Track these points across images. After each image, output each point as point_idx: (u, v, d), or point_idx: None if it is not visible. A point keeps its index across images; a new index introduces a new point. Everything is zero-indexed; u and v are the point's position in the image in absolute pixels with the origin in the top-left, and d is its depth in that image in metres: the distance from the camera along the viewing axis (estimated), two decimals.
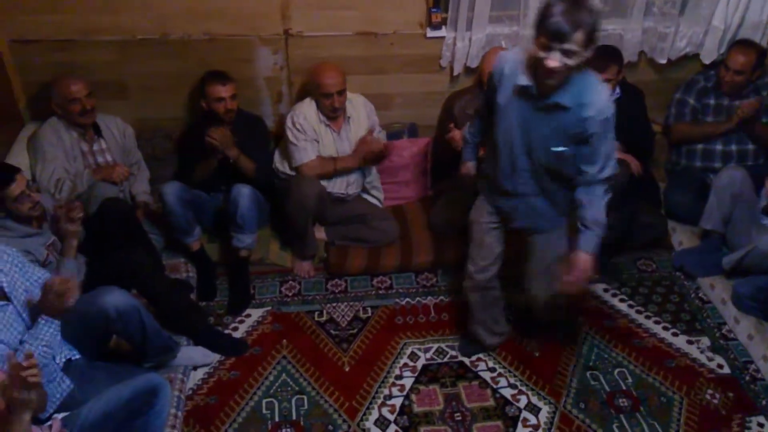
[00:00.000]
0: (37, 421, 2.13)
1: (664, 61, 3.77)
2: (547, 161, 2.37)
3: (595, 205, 2.39)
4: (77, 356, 2.45)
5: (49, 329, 2.24)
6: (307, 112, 3.32)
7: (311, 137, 3.31)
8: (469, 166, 2.91)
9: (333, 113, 3.31)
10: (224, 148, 3.16)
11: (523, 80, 2.24)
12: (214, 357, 2.94)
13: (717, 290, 3.27)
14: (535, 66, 2.18)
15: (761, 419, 2.74)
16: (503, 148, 2.42)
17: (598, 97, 2.23)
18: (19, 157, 3.18)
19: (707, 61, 3.75)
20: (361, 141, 3.38)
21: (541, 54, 2.09)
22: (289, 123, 3.32)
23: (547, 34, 2.05)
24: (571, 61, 2.08)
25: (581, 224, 2.42)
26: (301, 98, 3.44)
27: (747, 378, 2.92)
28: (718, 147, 3.58)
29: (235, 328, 3.13)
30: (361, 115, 3.43)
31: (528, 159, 2.40)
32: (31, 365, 1.89)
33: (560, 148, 2.31)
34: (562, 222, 2.60)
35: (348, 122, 3.38)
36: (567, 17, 2.00)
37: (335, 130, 3.36)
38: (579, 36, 2.02)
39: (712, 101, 3.61)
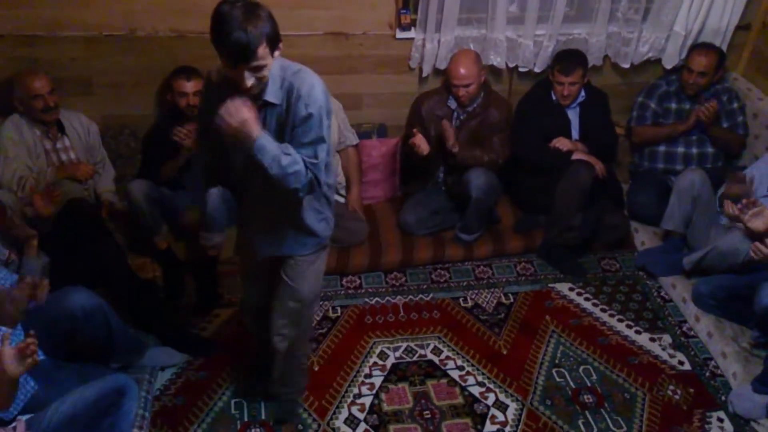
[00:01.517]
0: (0, 422, 2.09)
1: (627, 66, 3.85)
2: None
3: None
4: (41, 357, 2.40)
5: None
6: None
7: None
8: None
9: None
10: (191, 146, 3.14)
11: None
12: (182, 357, 2.91)
13: (678, 289, 3.35)
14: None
15: (721, 414, 2.81)
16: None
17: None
18: None
19: (669, 66, 3.84)
20: None
21: (232, 74, 1.88)
22: None
23: (231, 56, 1.83)
24: (264, 73, 1.90)
25: None
26: None
27: (707, 374, 3.00)
28: (680, 149, 3.67)
29: (204, 328, 3.10)
30: None
31: None
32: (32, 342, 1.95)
33: None
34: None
35: None
36: (246, 32, 1.78)
37: None
38: (263, 51, 1.83)
39: (673, 105, 3.70)
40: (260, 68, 1.87)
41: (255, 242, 2.31)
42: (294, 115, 2.00)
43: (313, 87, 1.99)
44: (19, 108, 3.12)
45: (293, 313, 2.40)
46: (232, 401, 2.78)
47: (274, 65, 1.94)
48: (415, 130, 3.37)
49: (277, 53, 1.92)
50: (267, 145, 1.94)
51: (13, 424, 2.08)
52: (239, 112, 1.89)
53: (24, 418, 2.15)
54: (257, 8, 1.82)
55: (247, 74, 1.86)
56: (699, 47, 3.59)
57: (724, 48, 3.75)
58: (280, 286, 2.36)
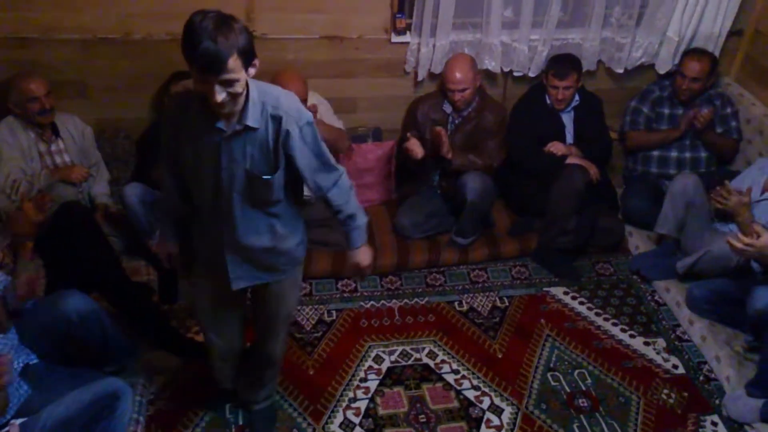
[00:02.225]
0: None
1: (621, 71, 3.87)
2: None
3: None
4: (35, 360, 2.40)
5: None
6: None
7: None
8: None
9: None
10: None
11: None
12: (177, 361, 2.90)
13: (672, 293, 3.36)
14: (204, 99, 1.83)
15: (715, 418, 2.82)
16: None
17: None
18: None
19: (662, 71, 3.86)
20: None
21: (202, 88, 1.78)
22: None
23: (201, 65, 1.73)
24: (236, 89, 1.79)
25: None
26: None
27: (701, 378, 3.01)
28: (673, 154, 3.69)
29: (198, 332, 3.09)
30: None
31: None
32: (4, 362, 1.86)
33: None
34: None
35: None
36: (215, 42, 1.70)
37: None
38: (234, 63, 1.74)
39: (666, 110, 3.72)
40: (232, 82, 1.76)
41: (228, 274, 2.16)
42: (288, 146, 1.95)
43: (300, 111, 1.96)
44: (15, 110, 3.11)
45: (282, 327, 2.41)
46: (227, 405, 2.77)
47: (252, 89, 1.88)
48: (409, 134, 3.37)
49: (252, 70, 1.84)
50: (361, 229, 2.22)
51: (7, 428, 2.06)
52: (366, 257, 2.22)
53: (18, 422, 2.13)
54: (230, 20, 1.75)
55: (218, 88, 1.76)
56: (692, 53, 3.61)
57: (717, 53, 3.78)
58: (265, 307, 2.33)
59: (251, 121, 1.89)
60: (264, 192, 2.01)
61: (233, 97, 1.80)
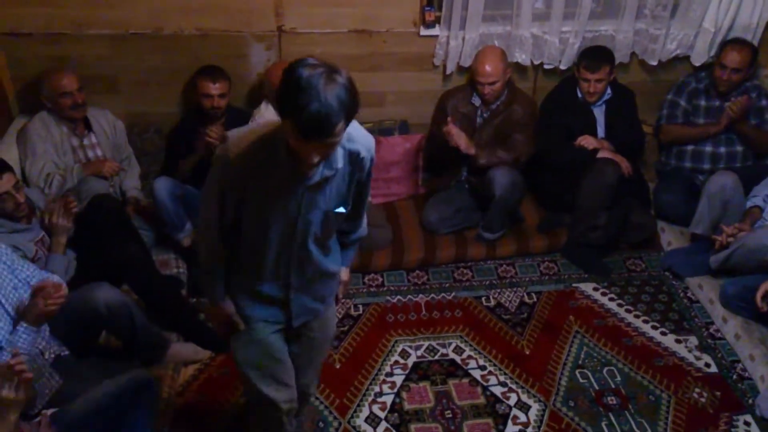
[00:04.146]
0: (25, 417, 2.12)
1: (655, 63, 3.80)
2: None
3: None
4: (66, 352, 2.44)
5: (28, 337, 2.22)
6: (265, 116, 3.35)
7: None
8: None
9: None
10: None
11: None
12: (205, 353, 2.92)
13: (705, 290, 3.29)
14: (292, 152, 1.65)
15: (748, 418, 2.76)
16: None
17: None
18: (8, 151, 3.15)
19: (698, 63, 3.78)
20: None
21: (297, 146, 1.59)
22: None
23: (307, 130, 1.51)
24: (331, 151, 1.66)
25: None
26: (257, 102, 3.46)
27: (734, 377, 2.95)
28: (708, 148, 3.61)
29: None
30: None
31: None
32: (18, 362, 1.88)
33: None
34: None
35: None
36: (328, 106, 1.48)
37: None
38: (341, 127, 1.55)
39: (703, 103, 3.64)
40: (333, 145, 1.60)
41: (292, 313, 2.04)
42: (363, 171, 1.85)
43: (366, 135, 1.83)
44: (47, 105, 3.17)
45: (323, 357, 2.33)
46: None
47: None
48: (448, 119, 3.34)
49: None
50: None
51: (38, 419, 2.11)
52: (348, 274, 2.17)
53: (48, 412, 2.18)
54: (339, 75, 1.52)
55: (316, 150, 1.59)
56: (732, 43, 3.52)
57: (755, 44, 3.68)
58: (312, 340, 2.17)
59: (341, 163, 1.75)
60: (335, 224, 1.92)
61: (324, 157, 1.66)
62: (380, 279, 3.42)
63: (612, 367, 2.98)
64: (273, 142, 1.69)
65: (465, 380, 2.90)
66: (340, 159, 1.75)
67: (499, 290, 3.37)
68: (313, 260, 1.94)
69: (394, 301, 3.30)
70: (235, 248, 1.91)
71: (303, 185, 1.74)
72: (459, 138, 3.29)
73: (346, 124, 1.57)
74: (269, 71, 3.37)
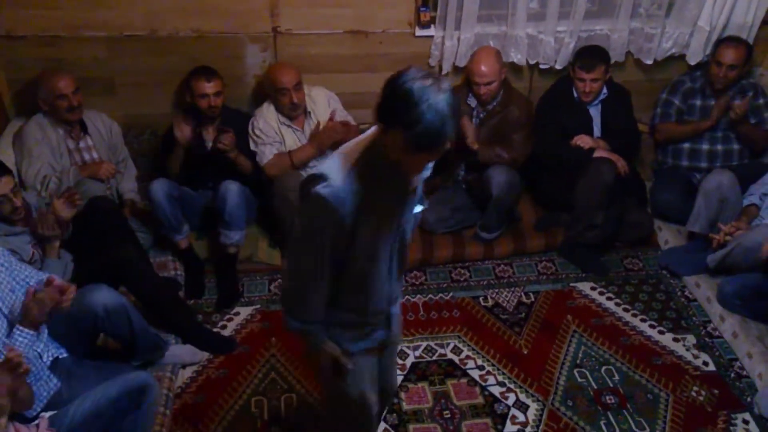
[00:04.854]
0: (23, 419, 2.12)
1: (650, 62, 3.80)
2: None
3: None
4: (64, 354, 2.43)
5: (25, 339, 2.21)
6: (266, 116, 3.35)
7: (272, 140, 3.33)
8: None
9: (293, 111, 3.33)
10: (230, 152, 3.19)
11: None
12: (203, 355, 2.93)
13: (702, 289, 3.30)
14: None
15: (746, 416, 2.77)
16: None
17: None
18: (4, 154, 3.14)
19: (693, 62, 3.78)
20: (314, 128, 3.38)
21: (414, 161, 1.58)
22: (249, 129, 3.36)
23: (422, 142, 1.49)
24: None
25: None
26: (259, 104, 3.46)
27: (732, 375, 2.96)
28: (704, 146, 3.62)
29: (224, 327, 3.11)
30: (320, 107, 3.43)
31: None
32: (16, 356, 1.88)
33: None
34: None
35: (309, 117, 3.40)
36: (444, 117, 1.47)
37: (297, 128, 3.38)
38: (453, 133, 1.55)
39: (698, 102, 3.65)
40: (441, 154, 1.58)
41: (392, 328, 2.04)
42: None
43: None
44: (44, 108, 3.16)
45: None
46: (252, 399, 2.79)
47: None
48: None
49: None
50: None
51: (36, 421, 2.10)
52: None
53: (47, 414, 2.17)
54: (443, 82, 1.50)
55: (425, 162, 1.60)
56: (728, 40, 3.53)
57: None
58: (393, 347, 2.21)
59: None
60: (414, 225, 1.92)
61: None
62: None
63: (610, 366, 2.98)
64: (371, 165, 1.62)
65: (463, 380, 2.90)
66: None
67: (496, 290, 3.38)
68: (403, 266, 1.92)
69: None
70: (337, 286, 1.79)
71: (405, 197, 1.72)
72: (468, 129, 3.29)
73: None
74: (271, 70, 3.37)
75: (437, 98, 1.45)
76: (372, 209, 1.64)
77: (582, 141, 3.47)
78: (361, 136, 1.71)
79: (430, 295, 3.33)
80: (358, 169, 1.61)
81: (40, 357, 2.31)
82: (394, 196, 1.70)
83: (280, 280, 3.37)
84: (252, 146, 3.35)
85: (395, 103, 1.48)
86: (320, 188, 1.58)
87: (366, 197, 1.61)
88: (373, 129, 1.67)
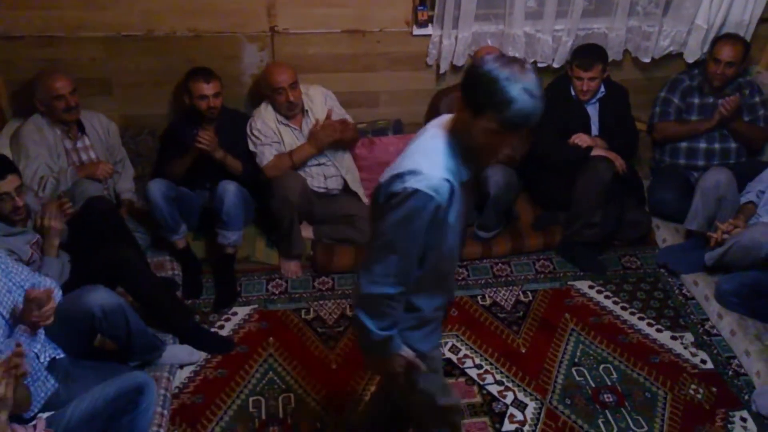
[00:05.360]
0: (21, 420, 2.12)
1: (648, 60, 3.80)
2: None
3: None
4: (62, 355, 2.43)
5: (24, 341, 2.20)
6: (264, 116, 3.34)
7: (270, 140, 3.33)
8: None
9: (290, 110, 3.33)
10: (211, 151, 3.17)
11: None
12: (200, 355, 2.93)
13: (700, 287, 3.30)
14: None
15: (744, 414, 2.77)
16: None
17: None
18: (1, 154, 3.14)
19: (691, 60, 3.79)
20: (314, 125, 3.38)
21: (504, 141, 1.66)
22: (248, 130, 3.35)
23: (515, 121, 1.57)
24: None
25: None
26: (256, 104, 3.45)
27: (730, 373, 2.96)
28: (702, 145, 3.62)
29: (222, 326, 3.11)
30: (318, 106, 3.43)
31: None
32: (18, 354, 1.88)
33: None
34: None
35: (307, 116, 3.40)
36: (536, 95, 1.57)
37: (296, 128, 3.38)
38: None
39: (696, 100, 3.65)
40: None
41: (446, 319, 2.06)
42: None
43: None
44: (41, 108, 3.15)
45: None
46: (250, 399, 2.79)
47: None
48: None
49: None
50: None
51: (33, 422, 2.10)
52: None
53: (44, 415, 2.17)
54: (526, 63, 1.60)
55: (512, 142, 1.67)
56: (725, 37, 3.53)
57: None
58: None
59: None
60: None
61: None
62: None
63: (608, 365, 2.98)
64: (457, 155, 1.69)
65: (461, 379, 2.90)
66: None
67: (494, 289, 3.37)
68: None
69: None
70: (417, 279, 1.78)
71: (474, 188, 1.78)
72: None
73: None
74: (266, 70, 3.37)
75: (525, 78, 1.54)
76: (458, 199, 1.71)
77: (580, 139, 3.47)
78: (429, 133, 1.76)
79: None
80: (446, 161, 1.67)
81: (38, 358, 2.30)
82: (471, 186, 1.77)
83: (278, 280, 3.37)
84: (251, 147, 3.35)
85: (486, 88, 1.56)
86: (414, 182, 1.63)
87: (454, 187, 1.67)
88: (441, 123, 1.76)
